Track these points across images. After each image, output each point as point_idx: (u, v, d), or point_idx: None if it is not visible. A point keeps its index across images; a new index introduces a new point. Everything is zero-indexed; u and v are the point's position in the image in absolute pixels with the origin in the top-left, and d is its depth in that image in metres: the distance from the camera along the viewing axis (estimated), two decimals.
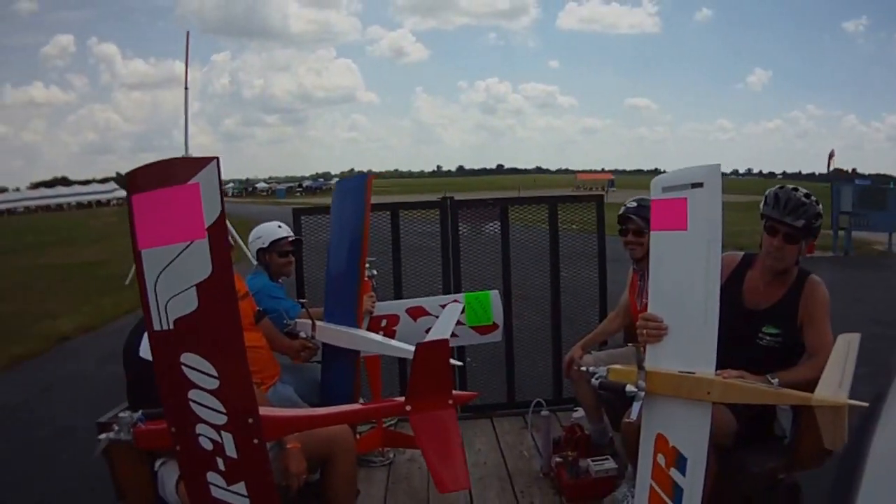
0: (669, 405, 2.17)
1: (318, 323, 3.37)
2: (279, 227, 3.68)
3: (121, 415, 2.17)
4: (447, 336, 3.04)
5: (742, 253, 2.80)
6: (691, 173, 2.12)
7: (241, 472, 1.96)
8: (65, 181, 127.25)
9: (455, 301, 3.70)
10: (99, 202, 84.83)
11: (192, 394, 1.88)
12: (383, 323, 3.67)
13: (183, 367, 1.86)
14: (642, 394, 2.17)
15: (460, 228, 4.40)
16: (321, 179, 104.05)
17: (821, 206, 2.61)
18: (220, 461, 1.95)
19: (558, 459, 3.39)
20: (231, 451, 1.93)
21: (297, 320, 3.44)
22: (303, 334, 3.36)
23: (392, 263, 4.36)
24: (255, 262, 3.72)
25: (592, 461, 3.30)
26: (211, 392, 1.87)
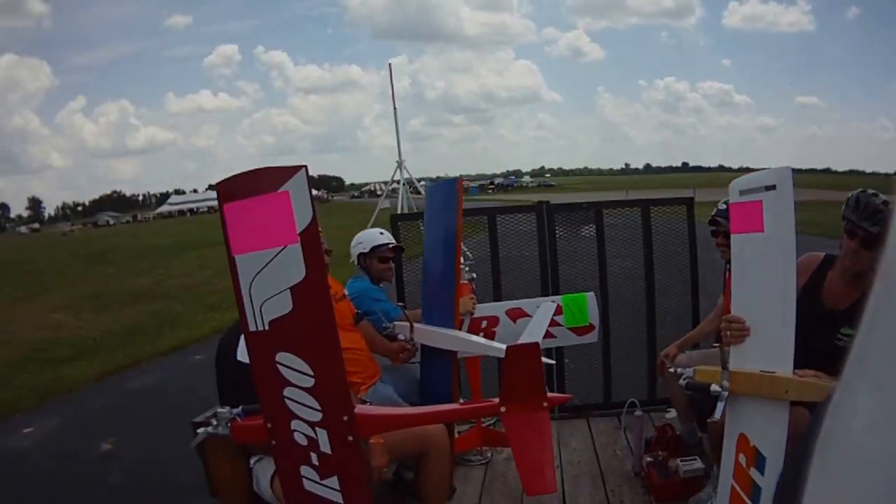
0: (750, 405, 2.21)
1: (415, 325, 3.49)
2: (381, 233, 3.84)
3: (219, 410, 2.28)
4: (540, 337, 3.14)
5: (823, 254, 2.77)
6: (765, 176, 2.15)
7: (334, 468, 2.06)
8: None
9: (556, 304, 3.76)
10: None
11: (288, 391, 1.99)
12: (484, 324, 3.77)
13: (279, 365, 1.96)
14: (726, 394, 2.20)
15: (557, 232, 4.50)
16: (512, 177, 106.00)
17: None
18: (313, 456, 2.05)
19: (649, 459, 3.43)
20: (325, 446, 2.03)
21: (395, 323, 3.57)
22: (401, 336, 3.49)
23: (491, 266, 4.49)
24: (356, 266, 3.87)
25: (681, 461, 3.32)
26: (306, 390, 1.97)
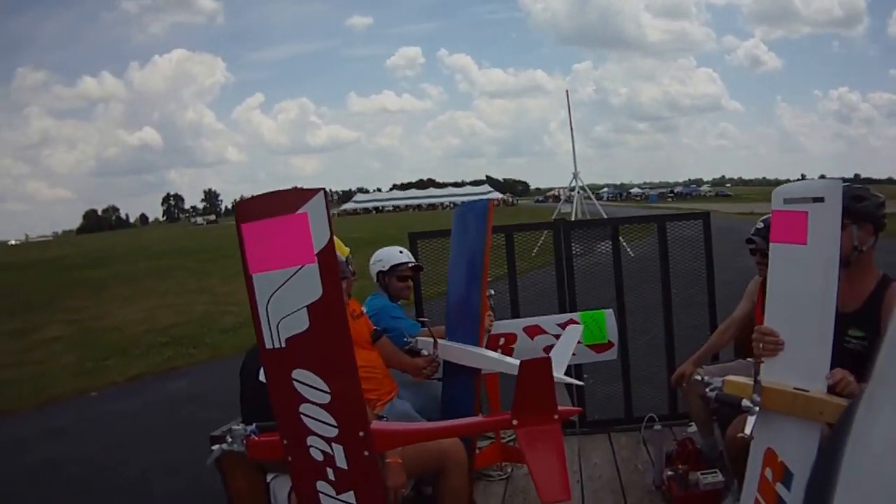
0: (781, 421, 2.20)
1: (438, 341, 3.56)
2: (400, 252, 3.95)
3: (234, 427, 2.35)
4: (566, 361, 3.27)
5: None
6: (813, 187, 2.15)
7: (350, 482, 2.11)
8: (433, 183, 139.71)
9: (572, 321, 3.84)
10: None
11: (304, 408, 2.04)
12: (501, 341, 3.85)
13: (294, 382, 2.02)
14: (757, 408, 2.21)
15: (574, 248, 4.60)
16: (693, 185, 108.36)
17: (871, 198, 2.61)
18: (330, 471, 2.10)
19: (670, 473, 3.47)
20: (341, 462, 2.08)
21: (417, 338, 3.64)
22: (424, 352, 3.56)
23: (508, 283, 4.61)
24: (375, 284, 3.97)
25: (702, 474, 3.38)
26: (322, 406, 2.03)
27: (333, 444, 2.09)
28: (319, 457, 2.11)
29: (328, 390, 2.02)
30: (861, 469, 0.62)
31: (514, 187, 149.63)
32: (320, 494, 2.15)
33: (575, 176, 28.06)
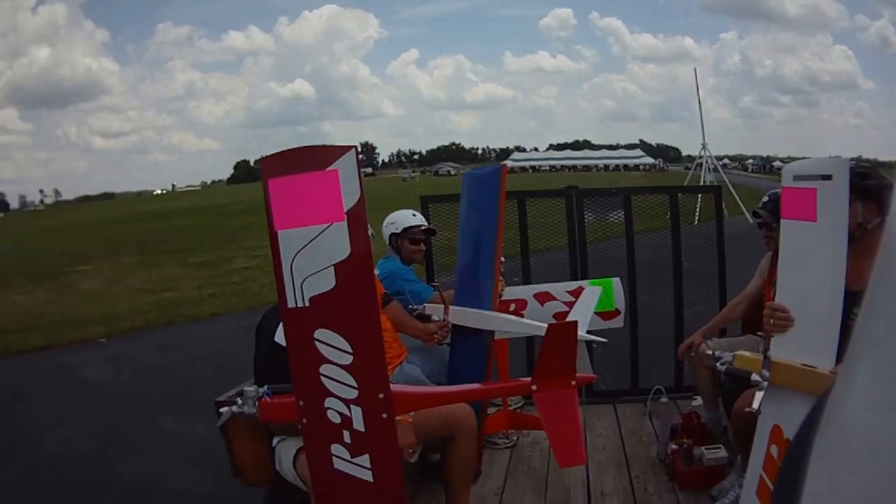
0: (789, 397, 2.22)
1: (450, 306, 3.55)
2: (413, 215, 4.00)
3: (246, 388, 2.36)
4: (587, 320, 3.29)
5: None
6: (821, 164, 2.18)
7: (366, 445, 2.11)
8: (588, 144, 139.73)
9: (581, 287, 3.88)
10: (626, 166, 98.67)
11: (324, 368, 2.04)
12: (512, 307, 3.88)
13: (316, 342, 2.02)
14: (765, 383, 2.24)
15: (586, 217, 4.63)
16: None
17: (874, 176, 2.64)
18: (346, 434, 2.10)
19: (674, 447, 3.48)
20: (359, 424, 2.09)
21: (426, 304, 3.67)
22: (434, 317, 3.57)
23: (521, 250, 4.65)
24: (387, 247, 4.02)
25: (706, 449, 3.40)
26: (344, 367, 2.03)
27: (352, 406, 2.09)
28: (336, 419, 2.11)
29: (351, 351, 2.03)
30: (837, 427, 0.62)
31: (665, 153, 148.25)
32: (334, 458, 2.15)
33: (703, 146, 29.88)
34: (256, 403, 2.33)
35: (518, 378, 2.58)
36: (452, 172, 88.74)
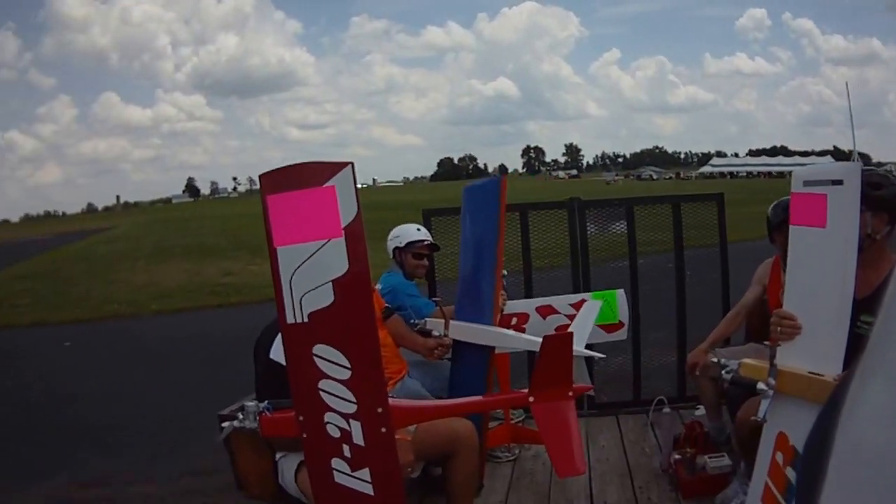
0: (795, 404, 2.22)
1: (450, 321, 3.59)
2: (417, 229, 4.05)
3: (247, 404, 2.41)
4: (586, 335, 3.34)
5: None
6: (832, 170, 2.21)
7: (366, 460, 2.15)
8: (784, 150, 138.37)
9: (583, 300, 3.90)
10: None
11: (323, 383, 2.09)
12: (513, 321, 3.92)
13: (315, 357, 2.07)
14: (771, 392, 2.25)
15: (589, 228, 4.69)
16: None
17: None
18: (346, 448, 2.14)
19: (677, 456, 3.51)
20: (358, 438, 2.13)
21: (427, 319, 3.70)
22: (435, 332, 3.61)
23: (522, 263, 4.68)
24: (391, 261, 4.06)
25: (709, 458, 3.43)
26: (342, 382, 2.08)
27: (351, 421, 2.13)
28: (336, 433, 2.16)
29: (349, 366, 2.07)
30: (853, 439, 0.63)
31: (865, 160, 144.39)
32: (334, 472, 2.20)
33: (854, 159, 30.34)
34: (257, 418, 2.38)
35: (516, 390, 2.64)
36: (654, 177, 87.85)
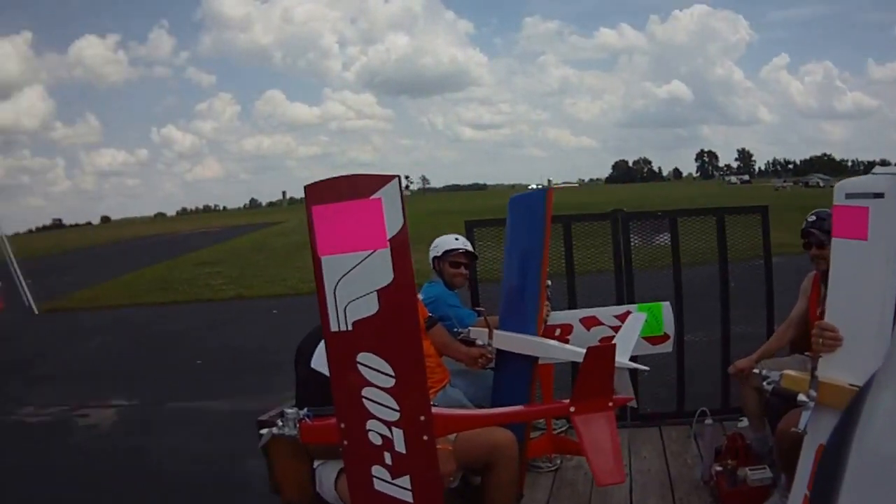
0: (835, 417, 2.15)
1: (494, 331, 3.60)
2: (455, 239, 4.06)
3: (287, 411, 2.44)
4: (630, 349, 3.34)
5: None
6: (873, 182, 2.18)
7: (407, 467, 2.18)
8: None
9: (628, 311, 3.90)
10: None
11: (367, 391, 2.12)
12: (557, 332, 3.90)
13: (359, 365, 2.11)
14: (812, 403, 2.26)
15: (632, 240, 4.71)
16: None
17: None
18: (387, 456, 2.18)
19: (718, 468, 3.52)
20: (400, 446, 2.16)
21: (471, 328, 3.70)
22: (479, 342, 3.62)
23: (566, 274, 4.71)
24: (432, 271, 4.09)
25: (750, 470, 3.43)
26: (386, 390, 2.11)
27: (393, 428, 2.16)
28: (378, 441, 2.19)
29: (393, 374, 2.11)
30: (869, 446, 0.66)
31: None
32: (375, 479, 2.23)
33: None
34: (297, 425, 2.42)
35: (557, 400, 2.67)
36: (821, 184, 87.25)
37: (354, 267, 2.05)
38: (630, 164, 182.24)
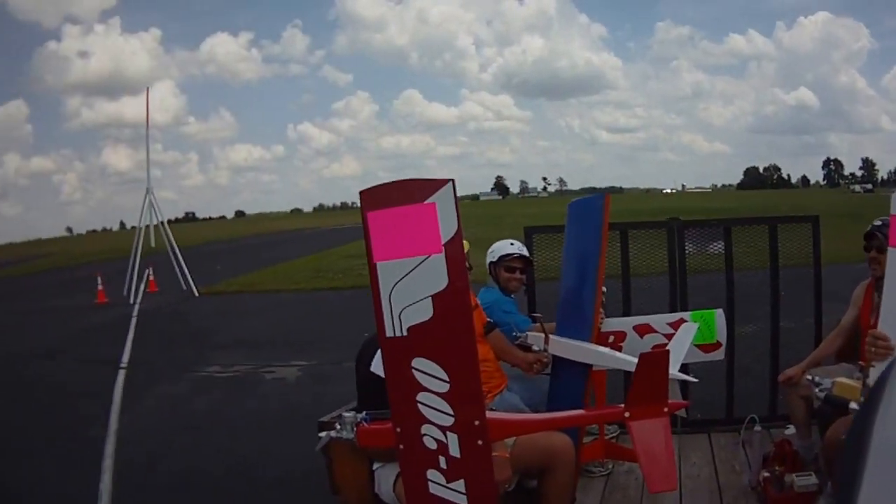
0: None
1: (550, 336, 3.63)
2: (511, 244, 4.12)
3: (345, 414, 2.46)
4: (682, 357, 3.35)
5: None
6: None
7: (462, 471, 2.19)
8: None
9: (682, 321, 3.94)
10: None
11: (421, 396, 2.13)
12: (611, 339, 3.94)
13: (414, 371, 2.10)
14: None
15: (687, 248, 4.73)
16: None
17: None
18: (442, 460, 2.18)
19: (766, 474, 3.51)
20: (455, 451, 2.16)
21: (528, 333, 3.74)
22: (535, 347, 3.65)
23: (622, 281, 4.73)
24: (489, 276, 4.15)
25: (797, 476, 3.41)
26: (440, 395, 2.11)
27: (448, 433, 2.17)
28: (433, 445, 2.20)
29: (448, 379, 2.10)
30: (889, 437, 0.67)
31: None
32: (430, 483, 2.24)
33: None
34: (354, 429, 2.44)
35: (612, 405, 2.68)
36: None
37: (409, 272, 2.05)
38: (761, 170, 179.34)
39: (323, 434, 2.53)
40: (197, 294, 18.19)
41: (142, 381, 8.82)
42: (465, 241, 2.17)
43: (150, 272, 19.78)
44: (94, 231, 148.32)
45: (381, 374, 2.28)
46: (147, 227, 20.27)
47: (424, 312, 2.08)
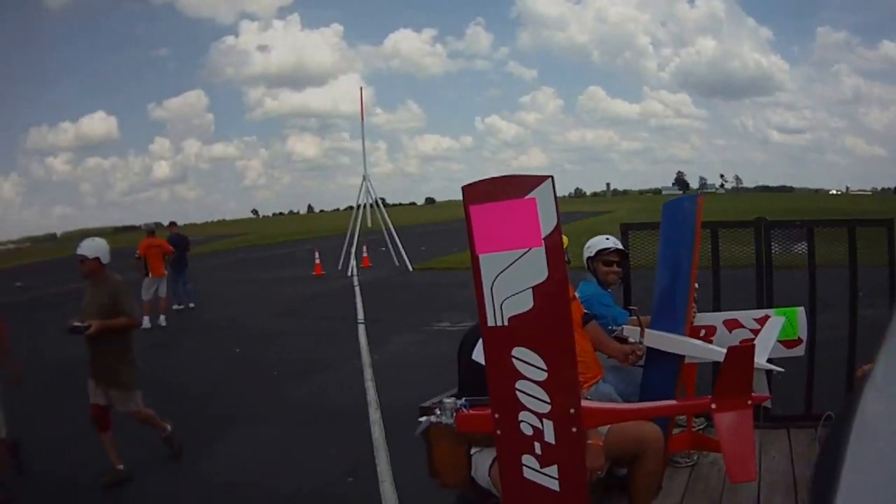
0: None
1: (646, 330, 3.72)
2: (606, 239, 4.23)
3: (445, 400, 2.53)
4: (768, 350, 3.40)
5: None
6: None
7: (555, 457, 2.24)
8: None
9: (767, 315, 4.02)
10: None
11: (520, 384, 2.18)
12: (702, 333, 3.99)
13: (514, 359, 2.16)
14: None
15: (773, 247, 4.80)
16: None
17: None
18: (537, 446, 2.24)
19: None
20: (550, 437, 2.22)
21: (624, 326, 3.84)
22: (631, 339, 3.75)
23: (712, 278, 4.82)
24: (587, 271, 4.26)
25: None
26: (538, 383, 2.17)
27: (544, 420, 2.22)
28: (529, 431, 2.25)
29: (546, 368, 2.15)
30: (868, 446, 0.66)
31: None
32: (524, 467, 2.30)
33: None
34: (454, 414, 2.52)
35: (699, 397, 2.74)
36: None
37: (511, 265, 2.10)
38: None
39: (423, 419, 2.59)
40: (411, 269, 20.15)
41: (381, 333, 10.57)
42: (563, 236, 2.26)
43: (366, 249, 22.03)
44: (281, 214, 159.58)
45: (482, 361, 2.33)
46: (362, 207, 23.07)
47: (525, 303, 2.13)
